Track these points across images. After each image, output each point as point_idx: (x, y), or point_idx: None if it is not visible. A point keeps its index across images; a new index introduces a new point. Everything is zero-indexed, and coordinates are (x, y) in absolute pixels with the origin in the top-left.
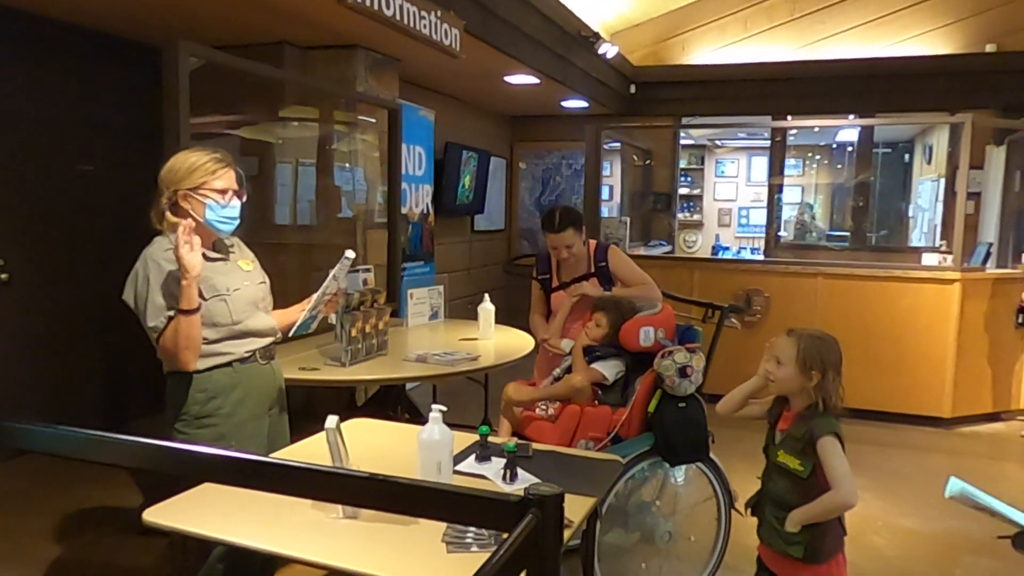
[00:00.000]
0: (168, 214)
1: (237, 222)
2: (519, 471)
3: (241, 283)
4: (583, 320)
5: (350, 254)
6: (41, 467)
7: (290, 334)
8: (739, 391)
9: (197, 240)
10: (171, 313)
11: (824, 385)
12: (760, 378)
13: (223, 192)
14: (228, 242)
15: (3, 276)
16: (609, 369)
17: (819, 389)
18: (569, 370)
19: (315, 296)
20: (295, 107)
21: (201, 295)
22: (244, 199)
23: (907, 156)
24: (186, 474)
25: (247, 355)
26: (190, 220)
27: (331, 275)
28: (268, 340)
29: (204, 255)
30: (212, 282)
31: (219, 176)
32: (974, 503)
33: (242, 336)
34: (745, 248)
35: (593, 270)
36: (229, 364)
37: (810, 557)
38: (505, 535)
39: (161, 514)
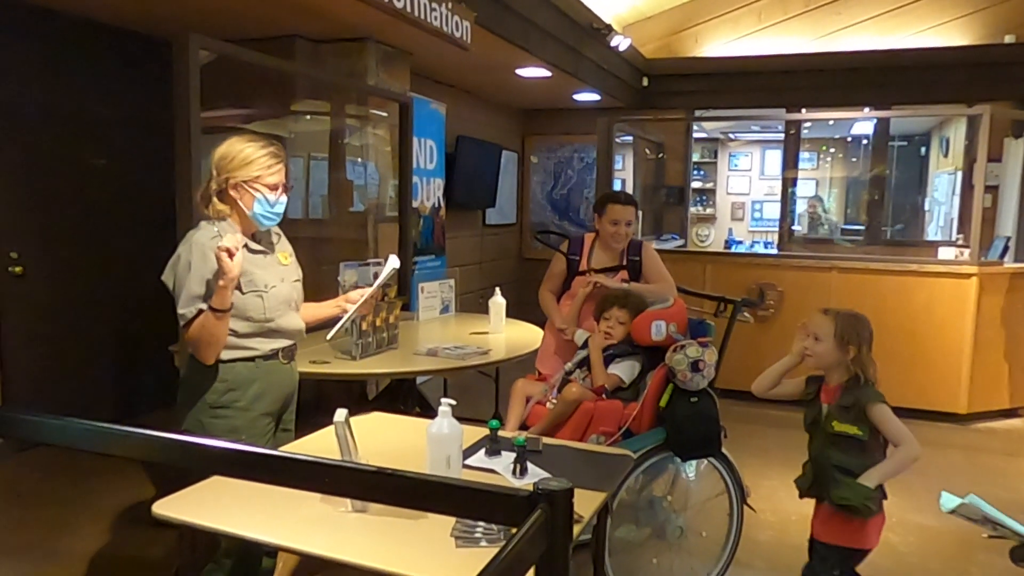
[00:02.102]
0: (216, 200)
1: (281, 217)
2: (529, 465)
3: (278, 280)
4: (593, 313)
5: (395, 262)
6: (54, 459)
7: (328, 337)
8: (774, 369)
9: (243, 247)
10: (203, 306)
11: (860, 359)
12: (795, 356)
13: (274, 188)
14: (273, 236)
15: (17, 269)
16: (626, 371)
17: (856, 362)
18: (581, 364)
19: (357, 299)
20: (306, 101)
21: (239, 288)
22: (289, 193)
23: (923, 149)
24: (197, 467)
25: (271, 353)
26: (240, 236)
27: (377, 283)
28: (293, 341)
29: (247, 247)
30: (251, 276)
31: (274, 172)
32: (981, 514)
33: (270, 334)
34: (758, 242)
35: (625, 263)
36: (252, 359)
37: (877, 509)
38: (514, 530)
39: (170, 507)
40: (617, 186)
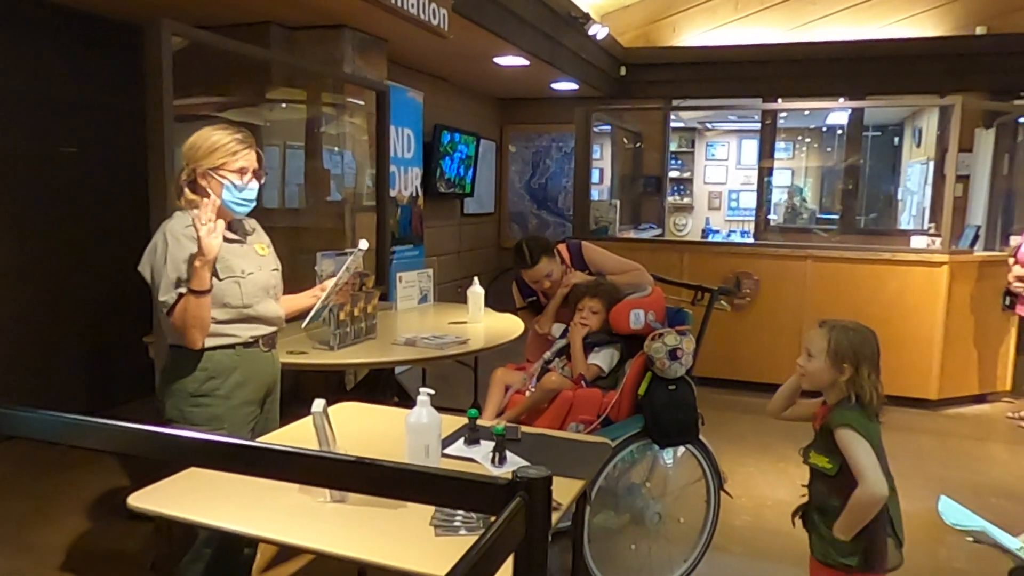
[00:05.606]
0: (187, 191)
1: (253, 204)
2: (508, 454)
3: (256, 267)
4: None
5: (364, 245)
6: (26, 452)
7: (303, 325)
8: (781, 391)
9: (221, 224)
10: (183, 290)
11: (857, 379)
12: (799, 375)
13: (241, 173)
14: (249, 227)
15: None
16: (605, 360)
17: (851, 383)
18: (559, 352)
19: (329, 286)
20: (282, 89)
21: (216, 275)
22: (263, 181)
23: (896, 139)
24: (172, 459)
25: (251, 340)
26: (214, 198)
27: (344, 266)
28: (273, 328)
29: (223, 237)
30: (228, 263)
31: (240, 157)
32: (990, 541)
33: (249, 321)
34: (735, 231)
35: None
36: (232, 347)
37: (867, 566)
38: (493, 518)
39: (146, 499)
40: (595, 175)
